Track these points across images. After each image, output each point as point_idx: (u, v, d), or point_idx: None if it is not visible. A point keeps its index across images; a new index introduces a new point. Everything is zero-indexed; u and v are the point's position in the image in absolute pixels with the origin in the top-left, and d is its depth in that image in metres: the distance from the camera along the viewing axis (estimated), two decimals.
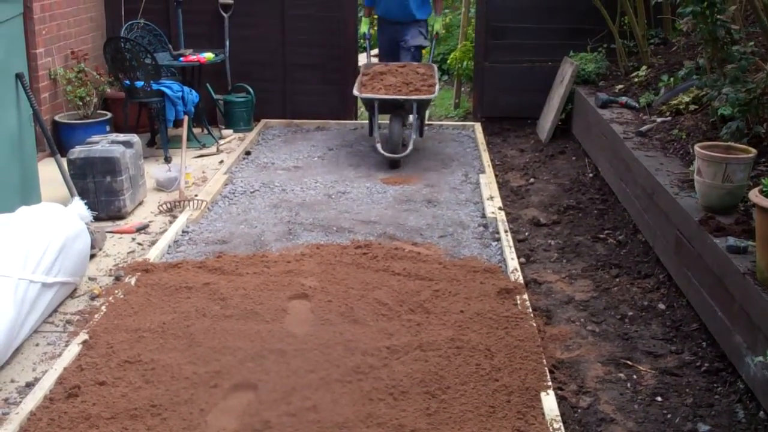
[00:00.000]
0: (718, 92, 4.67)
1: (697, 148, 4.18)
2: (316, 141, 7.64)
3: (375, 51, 8.59)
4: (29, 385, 3.50)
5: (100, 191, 5.45)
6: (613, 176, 5.90)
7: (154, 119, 7.18)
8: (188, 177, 6.28)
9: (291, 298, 4.25)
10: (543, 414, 3.24)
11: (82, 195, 5.16)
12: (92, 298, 4.34)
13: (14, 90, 4.95)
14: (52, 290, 4.01)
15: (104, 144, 5.60)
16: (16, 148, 4.93)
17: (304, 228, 5.37)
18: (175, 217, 5.60)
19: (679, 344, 3.95)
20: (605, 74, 7.52)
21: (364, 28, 7.79)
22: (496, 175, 6.59)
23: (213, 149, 7.29)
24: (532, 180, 6.67)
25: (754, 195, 3.36)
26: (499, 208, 5.68)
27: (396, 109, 6.80)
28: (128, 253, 5.01)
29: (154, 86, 6.84)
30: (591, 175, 6.56)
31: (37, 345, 3.87)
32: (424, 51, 7.96)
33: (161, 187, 6.24)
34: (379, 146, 6.62)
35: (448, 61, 9.79)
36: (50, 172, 5.62)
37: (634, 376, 3.68)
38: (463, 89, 9.79)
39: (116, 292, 4.33)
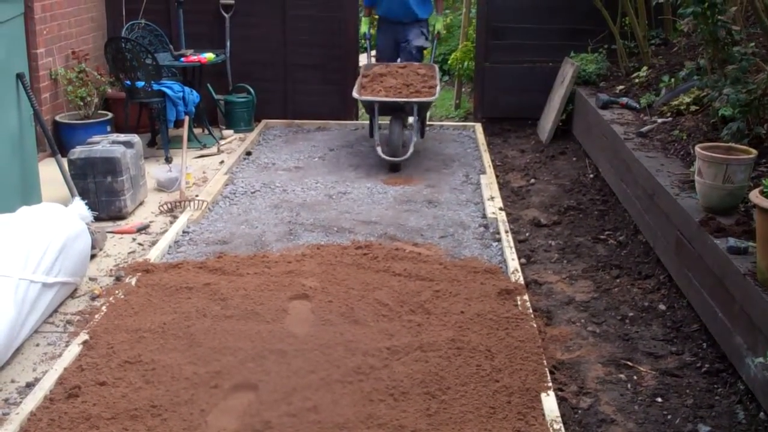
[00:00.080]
0: (718, 93, 4.67)
1: (697, 148, 4.18)
2: (316, 141, 7.64)
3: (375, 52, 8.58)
4: (29, 386, 3.51)
5: (101, 191, 5.45)
6: (613, 177, 5.90)
7: (155, 119, 7.18)
8: (189, 177, 6.28)
9: (291, 298, 4.25)
10: (543, 415, 3.24)
11: (83, 195, 5.16)
12: (93, 299, 4.34)
13: (15, 90, 4.95)
14: (52, 290, 4.01)
15: (105, 144, 5.60)
16: (16, 148, 4.94)
17: (305, 228, 5.37)
18: (175, 217, 5.60)
19: (679, 345, 3.95)
20: (606, 75, 7.52)
21: (364, 27, 7.77)
22: (496, 176, 6.59)
23: (214, 149, 7.29)
24: (532, 180, 6.67)
25: (755, 196, 3.36)
26: (500, 209, 5.68)
27: (396, 111, 6.73)
28: (129, 253, 5.01)
29: (155, 86, 6.84)
30: (592, 175, 6.56)
31: (37, 345, 3.88)
32: (425, 51, 7.95)
33: (162, 187, 6.24)
34: (379, 150, 6.57)
35: (449, 62, 9.79)
36: (51, 173, 5.62)
37: (635, 377, 3.68)
38: (463, 90, 9.79)
39: (117, 292, 4.33)
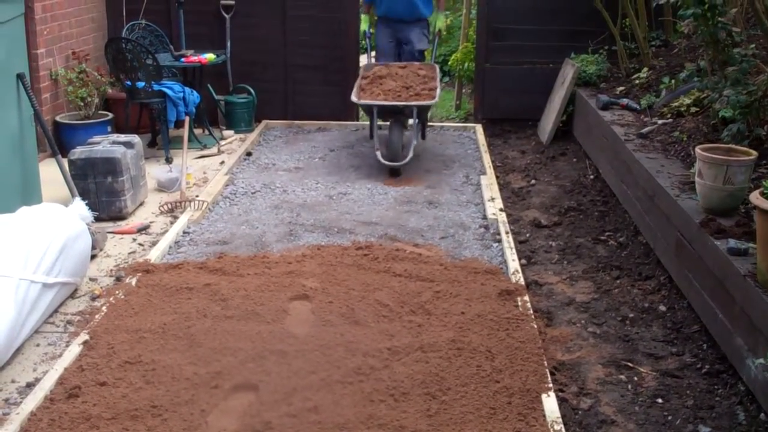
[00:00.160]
0: (719, 94, 4.67)
1: (698, 150, 4.18)
2: (317, 142, 7.64)
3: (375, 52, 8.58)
4: (30, 386, 3.51)
5: (101, 192, 5.45)
6: (614, 178, 5.90)
7: (155, 120, 7.18)
8: (189, 178, 6.29)
9: (292, 299, 4.25)
10: (544, 415, 3.24)
11: (83, 195, 5.16)
12: (93, 299, 4.34)
13: (15, 90, 4.95)
14: (52, 291, 4.01)
15: (105, 144, 5.60)
16: (17, 148, 4.94)
17: (305, 229, 5.37)
18: (176, 217, 5.60)
19: (679, 346, 3.95)
20: (606, 76, 7.53)
21: (364, 26, 7.71)
22: (497, 177, 6.59)
23: (214, 150, 7.29)
24: (533, 181, 6.67)
25: (755, 197, 3.36)
26: (500, 210, 5.68)
27: (396, 114, 6.67)
28: (129, 253, 5.01)
29: (156, 87, 6.84)
30: (592, 176, 6.56)
31: (37, 345, 3.87)
32: (425, 52, 7.95)
33: (162, 187, 6.24)
34: (378, 154, 6.50)
35: (449, 63, 9.80)
36: (51, 173, 5.62)
37: (635, 378, 3.68)
38: (464, 91, 9.79)
39: (117, 292, 4.33)
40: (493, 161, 7.04)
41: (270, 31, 8.16)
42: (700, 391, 3.56)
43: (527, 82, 8.12)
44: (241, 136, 7.79)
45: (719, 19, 4.66)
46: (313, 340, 3.80)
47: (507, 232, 5.26)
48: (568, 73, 7.58)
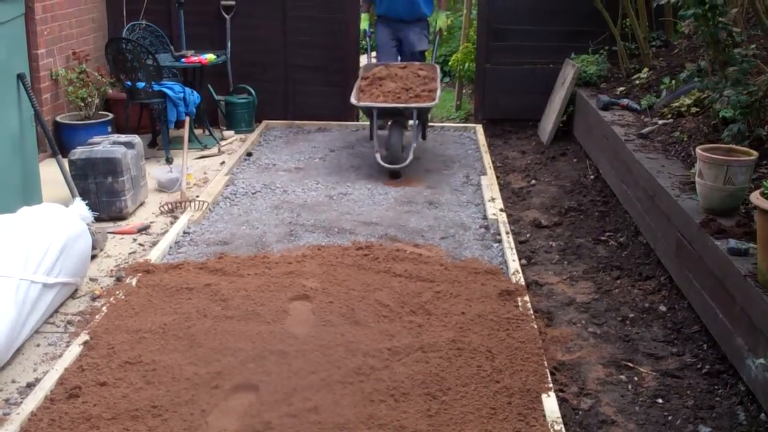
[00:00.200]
0: (719, 95, 4.67)
1: (698, 150, 4.18)
2: (317, 142, 7.64)
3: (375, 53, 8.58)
4: (30, 386, 3.51)
5: (102, 192, 5.45)
6: (614, 178, 5.90)
7: (156, 120, 7.18)
8: (189, 178, 6.29)
9: (292, 299, 4.25)
10: (544, 416, 3.24)
11: (84, 196, 5.16)
12: (93, 299, 4.34)
13: (16, 90, 4.95)
14: (53, 291, 4.01)
15: (105, 145, 5.61)
16: (17, 148, 4.94)
17: (306, 229, 5.37)
18: (176, 218, 5.60)
19: (680, 346, 3.95)
20: (606, 76, 7.52)
21: (364, 24, 7.64)
22: (497, 177, 6.59)
23: (214, 150, 7.29)
24: (533, 182, 6.67)
25: (756, 197, 3.36)
26: (501, 210, 5.68)
27: (396, 116, 6.62)
28: (129, 253, 5.01)
29: (156, 87, 6.84)
30: (592, 177, 6.56)
31: (38, 345, 3.88)
32: (426, 52, 7.93)
33: (162, 187, 6.24)
34: (378, 156, 6.45)
35: (450, 63, 9.79)
36: (51, 173, 5.63)
37: (635, 378, 3.68)
38: (464, 91, 9.79)
39: (117, 292, 4.33)
40: (493, 161, 7.04)
41: (270, 32, 8.16)
42: (701, 392, 3.55)
43: (528, 82, 8.12)
44: (242, 136, 7.79)
45: (720, 19, 4.66)
46: (314, 341, 3.80)
47: (507, 233, 5.26)
48: (568, 73, 7.58)
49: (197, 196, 5.87)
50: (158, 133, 7.26)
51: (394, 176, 6.50)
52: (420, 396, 3.35)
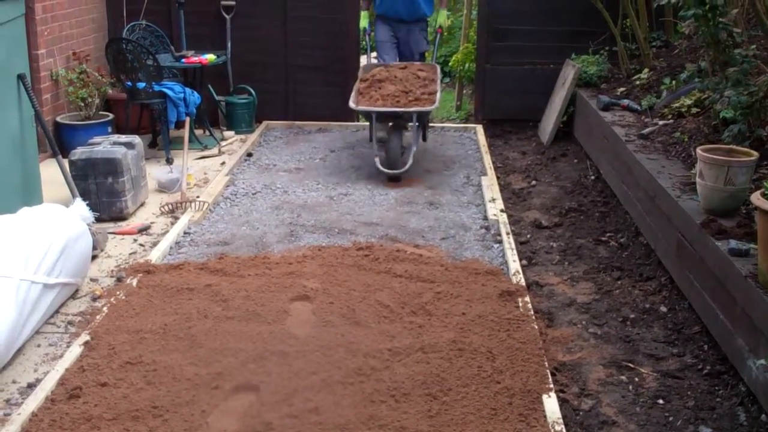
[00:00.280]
0: (720, 95, 4.67)
1: (699, 150, 4.18)
2: (317, 143, 7.64)
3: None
4: (31, 386, 3.50)
5: (102, 192, 5.45)
6: (614, 179, 5.90)
7: (156, 120, 7.18)
8: (190, 178, 6.29)
9: (292, 299, 4.25)
10: (545, 416, 3.24)
11: (84, 196, 5.16)
12: (94, 299, 4.34)
13: (16, 91, 4.95)
14: (53, 291, 4.01)
15: (106, 145, 5.60)
16: (17, 148, 4.94)
17: (306, 230, 5.37)
18: (176, 218, 5.60)
19: (680, 347, 3.95)
20: (607, 77, 7.52)
21: (363, 22, 7.53)
22: (497, 178, 6.59)
23: (215, 151, 7.30)
24: (533, 182, 6.67)
25: (756, 198, 3.35)
26: (501, 211, 5.68)
27: (395, 119, 6.55)
28: (130, 254, 5.01)
29: (156, 87, 6.84)
30: (593, 177, 6.56)
31: (38, 346, 3.87)
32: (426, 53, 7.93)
33: (163, 188, 6.24)
34: (377, 161, 6.39)
35: (450, 63, 9.80)
36: (52, 173, 5.63)
37: (636, 379, 3.68)
38: (464, 91, 9.79)
39: (118, 293, 4.33)
40: (493, 162, 7.04)
41: (271, 32, 8.16)
42: (701, 392, 3.55)
43: (528, 82, 8.12)
44: (242, 136, 7.79)
45: (720, 19, 4.66)
46: (314, 341, 3.80)
47: (508, 233, 5.26)
48: (568, 73, 7.58)
49: (198, 197, 5.87)
50: (158, 134, 7.26)
51: (394, 180, 6.45)
52: (421, 396, 3.35)
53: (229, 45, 7.96)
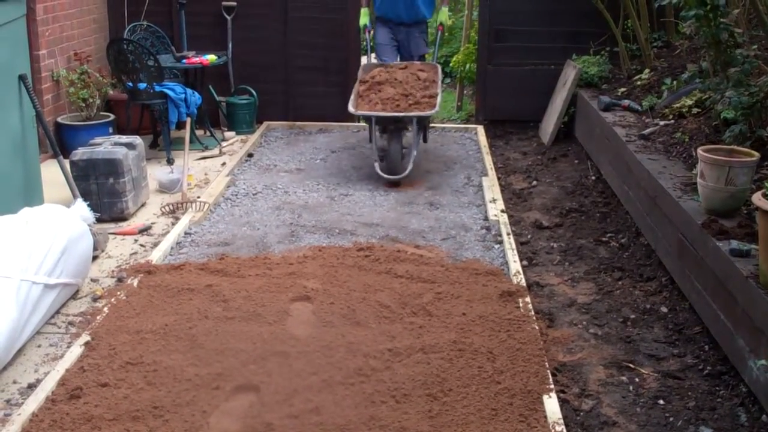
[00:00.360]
0: (721, 95, 4.67)
1: (700, 151, 4.18)
2: (318, 143, 7.65)
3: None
4: (31, 387, 3.51)
5: (103, 193, 5.45)
6: (615, 179, 5.90)
7: (157, 121, 7.19)
8: (191, 179, 6.29)
9: (293, 300, 4.25)
10: (545, 417, 3.24)
11: (85, 196, 5.16)
12: (94, 300, 4.34)
13: (17, 91, 4.96)
14: (54, 291, 4.01)
15: (107, 146, 5.61)
16: (18, 149, 4.94)
17: (307, 230, 5.37)
18: (177, 218, 5.60)
19: (681, 347, 3.94)
20: (608, 77, 7.52)
21: (364, 19, 7.41)
22: (498, 178, 6.59)
23: (215, 151, 7.30)
24: (534, 183, 6.67)
25: (757, 198, 3.35)
26: (502, 211, 5.68)
27: (395, 123, 6.46)
28: (131, 254, 5.01)
29: (157, 88, 6.85)
30: (593, 178, 6.56)
31: (39, 346, 3.88)
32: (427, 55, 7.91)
33: (164, 188, 6.24)
34: (377, 167, 6.34)
35: (451, 64, 9.79)
36: (53, 174, 5.63)
37: (637, 379, 3.68)
38: (465, 92, 9.79)
39: (118, 293, 4.33)
40: (494, 162, 7.04)
41: (271, 33, 8.16)
42: (702, 393, 3.55)
43: (529, 83, 8.11)
44: (243, 137, 7.79)
45: (721, 20, 4.66)
46: (315, 341, 3.80)
47: (508, 234, 5.26)
48: (569, 74, 7.58)
49: (198, 197, 5.87)
50: (159, 134, 7.26)
51: (393, 185, 6.38)
52: (421, 397, 3.35)
53: (230, 45, 7.96)
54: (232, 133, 7.83)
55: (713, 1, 4.57)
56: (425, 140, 7.18)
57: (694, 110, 5.62)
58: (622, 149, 5.63)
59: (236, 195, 6.10)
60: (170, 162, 6.88)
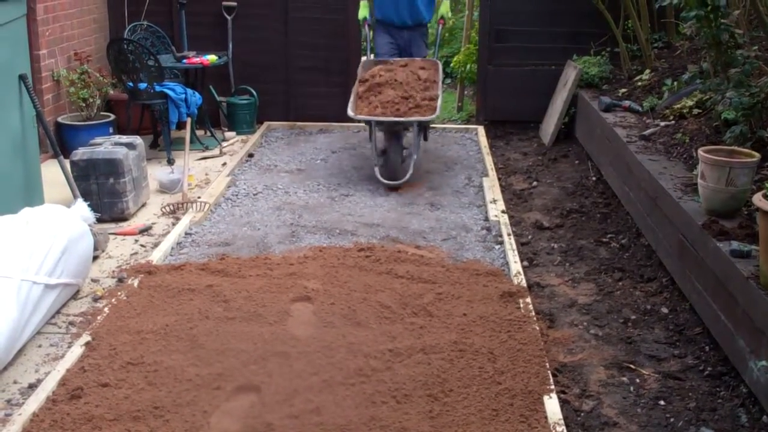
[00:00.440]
0: (721, 96, 4.66)
1: (700, 152, 4.18)
2: (319, 143, 7.65)
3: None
4: (32, 387, 3.50)
5: (103, 193, 5.45)
6: (616, 180, 5.90)
7: (157, 121, 7.19)
8: (191, 179, 6.29)
9: (294, 300, 4.25)
10: (546, 417, 3.24)
11: (85, 196, 5.17)
12: (95, 300, 4.34)
13: (17, 91, 4.96)
14: (54, 292, 4.01)
15: (107, 146, 5.61)
16: (19, 149, 4.94)
17: (307, 230, 5.37)
18: (178, 219, 5.60)
19: (682, 348, 3.94)
20: (608, 78, 7.52)
21: (363, 11, 7.28)
22: (499, 179, 6.59)
23: (216, 151, 7.30)
24: (535, 183, 6.67)
25: (758, 199, 3.35)
26: (502, 212, 5.68)
27: (395, 125, 6.39)
28: (131, 254, 5.01)
29: (157, 88, 6.85)
30: (594, 178, 6.56)
31: (39, 346, 3.87)
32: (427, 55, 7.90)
33: (164, 189, 6.24)
34: (377, 171, 6.30)
35: (452, 64, 9.79)
36: (53, 174, 5.63)
37: (637, 380, 3.68)
38: (466, 92, 9.79)
39: (119, 293, 4.33)
40: (495, 163, 7.04)
41: (272, 33, 8.16)
42: (703, 393, 3.55)
43: (529, 83, 8.11)
44: (243, 137, 7.79)
45: (722, 20, 4.66)
46: (315, 342, 3.80)
47: (509, 234, 5.26)
48: (570, 74, 7.58)
49: (199, 197, 5.87)
50: (160, 134, 7.26)
51: (393, 190, 6.31)
52: (422, 397, 3.35)
53: (230, 46, 7.96)
54: (232, 134, 7.83)
55: (714, 1, 4.57)
56: (425, 138, 7.16)
57: (695, 111, 5.62)
58: (622, 150, 5.63)
59: (237, 195, 6.10)
60: (171, 162, 6.88)
